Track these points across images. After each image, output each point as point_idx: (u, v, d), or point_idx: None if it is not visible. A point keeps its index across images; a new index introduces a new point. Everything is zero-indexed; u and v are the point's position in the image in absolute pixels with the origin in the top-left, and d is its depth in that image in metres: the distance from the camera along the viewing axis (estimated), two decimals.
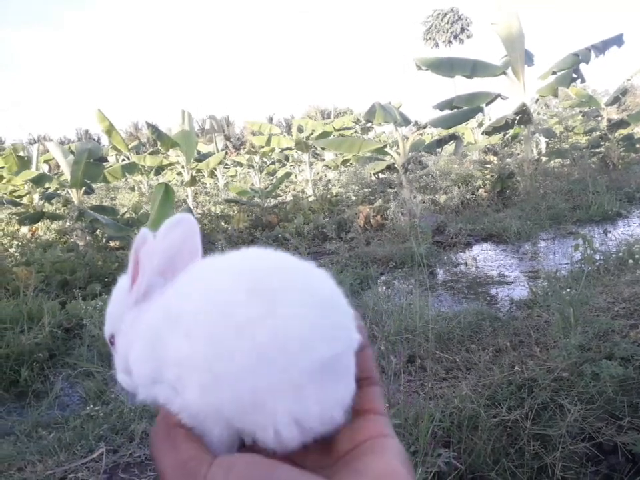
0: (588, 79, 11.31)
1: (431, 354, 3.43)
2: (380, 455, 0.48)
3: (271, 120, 45.59)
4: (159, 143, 13.18)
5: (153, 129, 11.77)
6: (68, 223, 10.64)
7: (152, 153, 17.23)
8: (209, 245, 9.50)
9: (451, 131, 12.84)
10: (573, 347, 2.93)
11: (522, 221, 8.07)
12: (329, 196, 13.47)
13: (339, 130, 17.18)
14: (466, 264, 6.56)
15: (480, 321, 4.02)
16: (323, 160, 19.80)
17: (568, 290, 3.37)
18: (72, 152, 10.07)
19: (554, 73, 11.12)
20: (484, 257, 6.88)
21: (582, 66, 10.71)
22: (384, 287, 5.34)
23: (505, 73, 11.06)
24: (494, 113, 18.05)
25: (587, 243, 4.95)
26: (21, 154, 12.47)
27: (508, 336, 3.70)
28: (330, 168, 18.67)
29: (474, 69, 10.40)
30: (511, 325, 3.88)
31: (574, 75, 10.85)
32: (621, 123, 14.26)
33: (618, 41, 10.07)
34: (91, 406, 3.22)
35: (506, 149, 15.50)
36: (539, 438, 2.39)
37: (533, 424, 2.42)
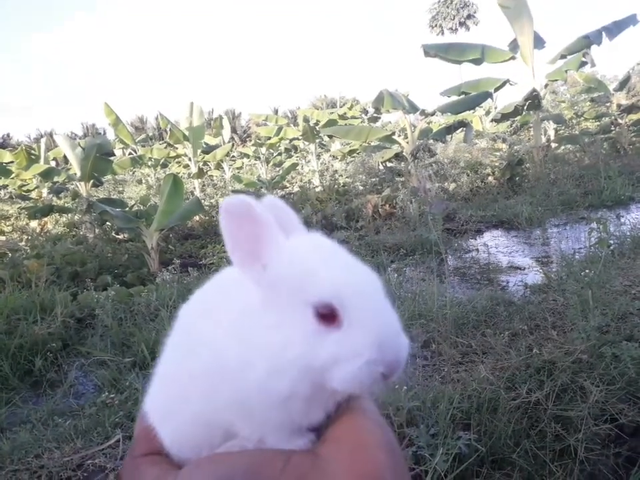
0: (598, 63, 11.09)
1: (446, 338, 3.40)
2: (348, 414, 0.50)
3: (276, 112, 45.39)
4: (167, 136, 13.17)
5: (167, 120, 11.74)
6: (77, 216, 10.67)
7: (166, 146, 17.27)
8: (217, 236, 9.52)
9: (460, 118, 12.72)
10: (592, 328, 2.89)
11: (533, 207, 7.98)
12: (336, 186, 13.40)
13: (345, 119, 17.09)
14: (477, 250, 6.50)
15: (494, 306, 3.98)
16: (329, 150, 19.69)
17: (587, 271, 3.32)
18: (82, 148, 10.07)
19: (563, 56, 10.95)
20: (495, 244, 6.82)
21: (593, 50, 10.53)
22: (395, 275, 5.30)
23: (513, 58, 10.91)
24: (500, 101, 17.85)
25: (601, 226, 4.88)
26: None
27: (523, 320, 3.66)
28: (337, 158, 18.57)
29: (483, 54, 10.26)
30: (526, 310, 3.84)
31: (584, 59, 10.67)
32: (632, 108, 14.07)
33: (632, 20, 9.87)
34: (106, 394, 3.22)
35: (514, 135, 15.35)
36: (559, 420, 2.36)
37: (554, 406, 2.38)
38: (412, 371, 2.89)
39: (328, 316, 0.48)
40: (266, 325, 0.49)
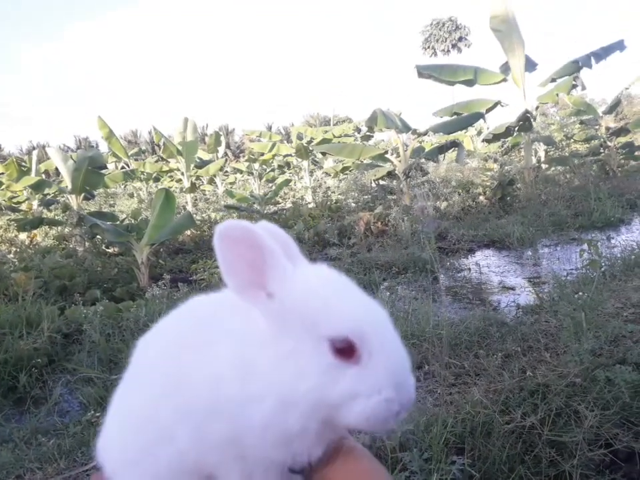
0: (587, 87, 11.31)
1: (439, 359, 3.37)
2: (348, 456, 0.48)
3: (269, 128, 45.69)
4: (160, 150, 13.17)
5: (160, 134, 11.76)
6: (67, 229, 10.58)
7: (158, 160, 17.25)
8: (208, 251, 9.47)
9: (452, 138, 12.86)
10: (586, 351, 2.87)
11: (524, 227, 8.03)
12: (328, 203, 13.43)
13: (338, 137, 17.20)
14: (469, 270, 6.50)
15: (487, 327, 3.96)
16: (322, 168, 19.78)
17: (580, 294, 3.32)
18: (74, 161, 10.04)
19: (553, 80, 11.15)
20: (487, 263, 6.84)
21: (582, 74, 10.74)
22: (387, 293, 5.28)
23: (505, 80, 11.09)
24: (491, 122, 18.07)
25: (592, 248, 4.90)
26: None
27: (516, 341, 3.64)
28: (329, 175, 18.65)
29: (476, 75, 10.42)
30: (518, 331, 3.82)
31: (574, 83, 10.87)
32: (621, 131, 14.30)
33: (619, 46, 10.10)
34: (92, 412, 3.15)
35: (505, 156, 15.52)
36: (554, 445, 2.33)
37: (548, 431, 2.35)
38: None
39: (345, 351, 0.46)
40: (275, 356, 0.46)
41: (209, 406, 0.46)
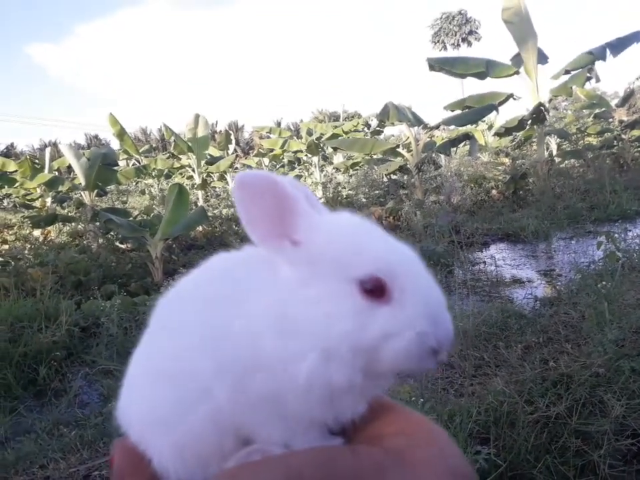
0: (602, 79, 11.13)
1: (458, 351, 3.35)
2: (394, 410, 0.47)
3: (279, 124, 45.65)
4: (171, 147, 13.20)
5: (171, 131, 11.80)
6: (81, 225, 10.66)
7: (169, 157, 17.34)
8: (222, 247, 9.50)
9: (463, 131, 12.77)
10: (609, 342, 2.84)
11: (538, 220, 7.96)
12: (339, 198, 13.41)
13: (348, 133, 17.16)
14: (485, 263, 6.46)
15: (505, 319, 3.93)
16: (332, 163, 19.74)
17: (604, 283, 3.28)
18: (87, 158, 10.10)
19: (567, 72, 11.00)
20: (502, 256, 6.79)
21: (597, 66, 10.59)
22: None
23: (517, 73, 10.96)
24: (500, 117, 17.79)
25: (610, 240, 4.84)
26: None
27: (535, 333, 3.61)
28: (340, 171, 18.61)
29: (487, 68, 10.32)
30: (537, 322, 3.79)
31: (588, 75, 10.72)
32: (635, 124, 14.12)
33: (636, 37, 9.93)
34: (112, 403, 3.16)
35: (517, 150, 15.41)
36: (579, 435, 2.30)
37: (572, 420, 2.33)
38: (426, 383, 2.84)
39: (375, 291, 0.45)
40: (307, 304, 0.45)
41: (249, 362, 0.45)
